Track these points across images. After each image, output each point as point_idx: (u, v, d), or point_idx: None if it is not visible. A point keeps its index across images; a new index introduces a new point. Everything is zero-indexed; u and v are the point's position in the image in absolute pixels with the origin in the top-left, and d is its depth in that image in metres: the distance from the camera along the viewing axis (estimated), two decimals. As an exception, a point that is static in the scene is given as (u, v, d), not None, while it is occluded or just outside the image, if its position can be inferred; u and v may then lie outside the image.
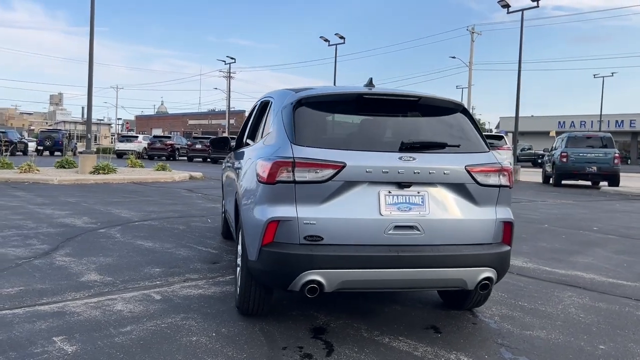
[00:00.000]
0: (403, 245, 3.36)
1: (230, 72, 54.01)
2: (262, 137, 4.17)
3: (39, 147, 40.10)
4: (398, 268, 3.32)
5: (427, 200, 3.42)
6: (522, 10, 25.92)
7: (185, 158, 37.74)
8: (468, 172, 3.48)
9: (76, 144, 46.97)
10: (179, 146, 39.25)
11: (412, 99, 3.70)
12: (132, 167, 19.83)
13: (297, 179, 3.29)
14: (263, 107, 4.63)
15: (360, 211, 3.33)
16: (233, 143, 5.86)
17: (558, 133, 27.82)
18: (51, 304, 4.03)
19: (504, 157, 19.96)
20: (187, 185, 15.19)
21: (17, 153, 36.53)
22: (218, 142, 5.94)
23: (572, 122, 54.78)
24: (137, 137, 41.92)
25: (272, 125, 3.83)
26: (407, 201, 3.40)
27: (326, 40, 39.53)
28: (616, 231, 8.90)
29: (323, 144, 3.42)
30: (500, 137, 21.39)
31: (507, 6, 26.23)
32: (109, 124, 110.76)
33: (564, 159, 19.16)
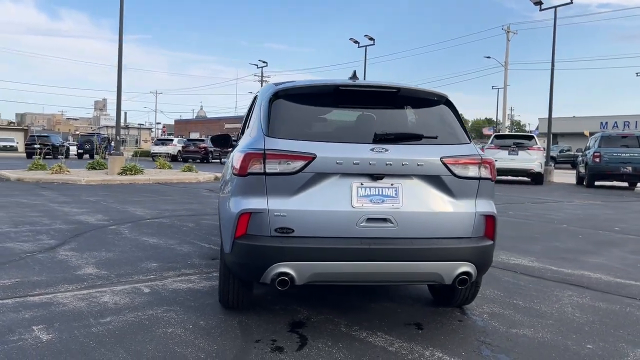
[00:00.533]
0: (375, 238, 3.31)
1: (262, 76, 54.51)
2: (247, 131, 4.18)
3: (79, 151, 41.43)
4: (370, 261, 3.26)
5: (400, 193, 3.36)
6: (555, 7, 25.26)
7: (219, 160, 38.27)
8: (444, 163, 3.39)
9: (114, 147, 48.27)
10: (212, 149, 39.82)
11: (390, 90, 3.64)
12: (160, 168, 20.23)
13: (267, 170, 3.28)
14: (252, 103, 4.65)
15: (331, 203, 3.29)
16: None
17: (591, 134, 26.94)
18: (41, 295, 4.13)
19: (534, 157, 19.48)
20: (210, 186, 15.38)
21: (59, 156, 37.79)
22: (219, 139, 5.97)
23: (615, 122, 52.87)
24: (172, 140, 42.82)
25: (254, 120, 3.84)
26: (380, 193, 3.34)
27: (355, 42, 39.46)
28: (639, 232, 8.54)
29: (296, 136, 3.40)
30: (530, 137, 20.85)
31: (539, 3, 25.59)
32: (150, 128, 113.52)
33: (597, 159, 18.52)
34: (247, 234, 3.33)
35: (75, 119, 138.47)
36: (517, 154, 19.49)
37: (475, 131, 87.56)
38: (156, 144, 42.50)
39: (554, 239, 7.52)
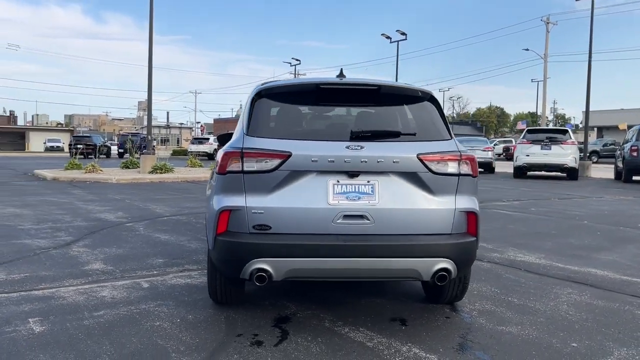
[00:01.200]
0: (351, 235, 3.34)
1: (296, 74, 54.79)
2: (235, 130, 4.28)
3: (119, 150, 42.71)
4: (346, 257, 3.30)
5: (377, 190, 3.38)
6: (592, -4, 24.42)
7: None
8: (420, 160, 3.40)
9: (154, 146, 49.59)
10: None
11: (371, 87, 3.66)
12: (191, 167, 20.68)
13: (245, 169, 3.37)
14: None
15: (308, 200, 3.35)
16: None
17: (629, 126, 25.95)
18: (45, 289, 4.34)
19: (568, 152, 18.94)
20: (237, 184, 15.61)
21: (101, 156, 39.05)
22: (224, 138, 6.11)
23: (669, 114, 50.72)
24: (208, 139, 43.60)
25: (240, 119, 3.93)
26: (356, 190, 3.37)
27: (387, 37, 39.20)
28: (666, 228, 8.24)
29: (274, 135, 3.47)
30: (564, 131, 20.28)
31: (575, -7, 24.80)
32: (190, 128, 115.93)
33: (635, 153, 17.84)
34: (228, 230, 3.42)
35: (120, 119, 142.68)
36: (550, 149, 19.01)
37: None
38: (193, 143, 43.38)
39: (570, 235, 7.35)
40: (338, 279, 3.62)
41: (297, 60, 52.38)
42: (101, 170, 16.88)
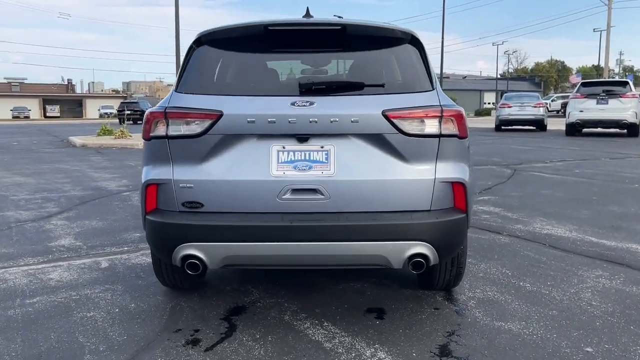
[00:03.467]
0: (301, 213, 2.70)
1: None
2: None
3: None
4: (293, 241, 2.66)
5: (332, 157, 2.69)
6: None
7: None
8: (387, 118, 2.67)
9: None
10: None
11: (333, 28, 2.92)
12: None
13: (170, 133, 2.75)
14: None
15: (247, 171, 2.71)
16: None
17: None
18: (-6, 269, 3.95)
19: (627, 106, 17.27)
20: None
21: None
22: None
23: None
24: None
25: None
26: (307, 158, 2.70)
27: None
28: None
29: (208, 90, 2.83)
30: (624, 83, 18.47)
31: None
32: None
33: None
34: (158, 208, 2.85)
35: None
36: (607, 103, 17.37)
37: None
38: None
39: (613, 202, 6.38)
40: (286, 266, 3.00)
41: (339, 17, 50.72)
42: (130, 136, 16.74)
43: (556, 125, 23.71)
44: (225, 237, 2.68)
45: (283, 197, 2.69)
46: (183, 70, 2.92)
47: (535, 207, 6.06)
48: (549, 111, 31.33)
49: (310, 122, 2.65)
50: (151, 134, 2.80)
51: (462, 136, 2.81)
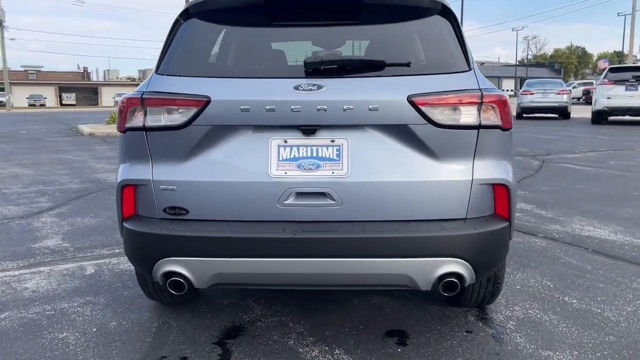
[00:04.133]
0: (307, 222, 2.20)
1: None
2: None
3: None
4: (297, 257, 2.16)
5: (345, 153, 2.18)
6: None
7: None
8: (414, 105, 2.14)
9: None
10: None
11: None
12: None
13: (148, 123, 2.26)
14: None
15: (240, 171, 2.21)
16: None
17: None
18: (-35, 276, 3.52)
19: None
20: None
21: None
22: None
23: None
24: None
25: None
26: (314, 155, 2.19)
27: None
28: None
29: (195, 71, 2.32)
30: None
31: None
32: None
33: None
34: (137, 214, 2.38)
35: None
36: (637, 89, 16.50)
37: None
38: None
39: (657, 198, 5.78)
40: (288, 287, 2.51)
41: None
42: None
43: (579, 113, 22.86)
44: (215, 251, 2.19)
45: (285, 202, 2.19)
46: (166, 48, 2.42)
47: (572, 204, 5.48)
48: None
49: (319, 110, 2.13)
50: (126, 125, 2.32)
51: (505, 127, 2.28)
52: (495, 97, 2.22)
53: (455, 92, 2.18)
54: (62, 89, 72.43)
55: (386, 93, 2.16)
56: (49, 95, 68.50)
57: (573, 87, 43.45)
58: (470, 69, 2.30)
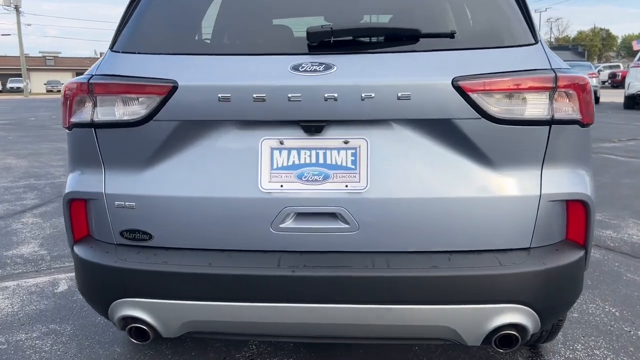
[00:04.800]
0: (309, 254, 1.61)
1: None
2: None
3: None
4: (297, 302, 1.58)
5: (364, 159, 1.58)
6: None
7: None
8: (460, 91, 1.52)
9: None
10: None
11: None
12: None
13: (97, 117, 1.68)
14: None
15: (220, 183, 1.62)
16: None
17: None
18: None
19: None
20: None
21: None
22: None
23: None
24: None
25: None
26: (320, 161, 1.59)
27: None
28: None
29: (157, 48, 1.72)
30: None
31: None
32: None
33: None
34: (91, 236, 1.81)
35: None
36: None
37: (626, 49, 76.64)
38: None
39: None
40: (285, 339, 1.93)
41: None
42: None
43: (608, 97, 21.80)
44: (187, 292, 1.62)
45: (281, 226, 1.59)
46: (127, 16, 1.82)
47: (622, 203, 4.80)
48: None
49: (327, 98, 1.52)
50: (72, 120, 1.73)
51: (585, 122, 1.65)
52: (573, 80, 1.59)
53: (519, 74, 1.55)
54: (80, 75, 72.29)
55: (422, 75, 1.55)
56: (67, 81, 68.53)
57: (599, 71, 42.07)
58: (536, 42, 1.66)
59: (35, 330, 2.57)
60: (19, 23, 49.03)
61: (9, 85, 58.91)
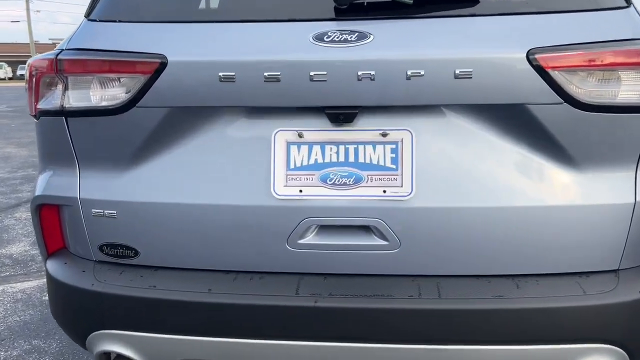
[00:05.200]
0: (336, 277, 1.26)
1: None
2: None
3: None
4: (320, 340, 1.24)
5: (407, 157, 1.22)
6: None
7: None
8: (538, 68, 1.15)
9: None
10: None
11: None
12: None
13: (68, 104, 1.33)
14: None
15: (223, 187, 1.28)
16: None
17: None
18: None
19: None
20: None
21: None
22: None
23: None
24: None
25: None
26: (350, 159, 1.24)
27: None
28: None
29: (143, 15, 1.36)
30: None
31: None
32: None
33: None
34: (66, 250, 1.48)
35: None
36: None
37: None
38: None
39: None
40: None
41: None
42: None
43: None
44: (180, 325, 1.28)
45: (300, 241, 1.25)
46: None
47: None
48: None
49: (361, 77, 1.16)
50: (38, 106, 1.39)
51: None
52: None
53: (610, 45, 1.18)
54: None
55: (487, 46, 1.18)
56: (32, 58, 68.83)
57: None
58: (628, 5, 1.28)
59: (16, 347, 2.27)
60: (28, 10, 48.81)
61: (19, 72, 58.94)
